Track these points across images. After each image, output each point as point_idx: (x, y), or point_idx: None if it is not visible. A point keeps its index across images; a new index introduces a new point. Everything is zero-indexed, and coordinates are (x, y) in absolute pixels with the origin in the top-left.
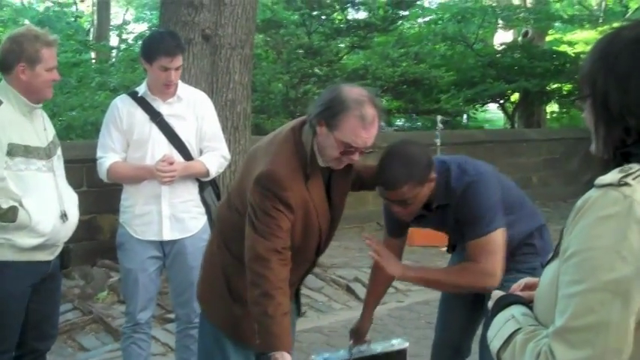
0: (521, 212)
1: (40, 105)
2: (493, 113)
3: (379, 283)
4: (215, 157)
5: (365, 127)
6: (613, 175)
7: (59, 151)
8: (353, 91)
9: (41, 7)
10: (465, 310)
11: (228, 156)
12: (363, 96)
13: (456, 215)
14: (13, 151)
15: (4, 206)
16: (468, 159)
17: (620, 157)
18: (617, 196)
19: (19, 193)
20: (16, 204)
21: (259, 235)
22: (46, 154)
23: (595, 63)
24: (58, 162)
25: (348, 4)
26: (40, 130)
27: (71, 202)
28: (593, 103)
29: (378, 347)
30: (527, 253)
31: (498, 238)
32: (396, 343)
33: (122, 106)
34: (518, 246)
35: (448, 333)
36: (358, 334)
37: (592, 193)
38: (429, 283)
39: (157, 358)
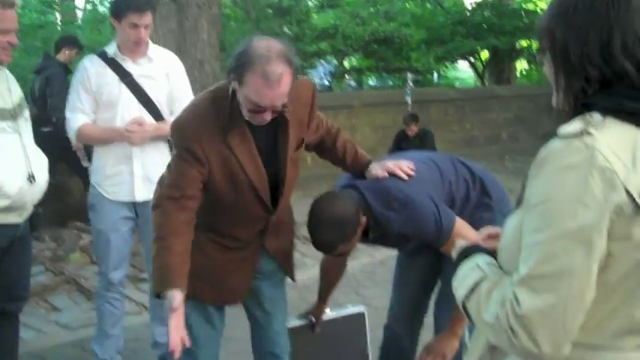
0: (494, 196)
1: (4, 66)
2: (464, 71)
3: (331, 280)
4: None
5: (269, 85)
6: (575, 125)
7: (26, 113)
8: (260, 45)
9: None
10: (424, 271)
11: None
12: (271, 51)
13: (406, 239)
14: None
15: None
16: (386, 186)
17: (581, 107)
18: (579, 145)
19: None
20: None
21: (159, 184)
22: (11, 115)
23: (553, 15)
24: (25, 124)
25: None
26: (5, 91)
27: (39, 164)
28: (553, 56)
29: (333, 313)
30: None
31: (460, 228)
32: (355, 308)
33: (91, 66)
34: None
35: (407, 293)
36: (317, 316)
37: (554, 143)
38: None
39: (131, 317)
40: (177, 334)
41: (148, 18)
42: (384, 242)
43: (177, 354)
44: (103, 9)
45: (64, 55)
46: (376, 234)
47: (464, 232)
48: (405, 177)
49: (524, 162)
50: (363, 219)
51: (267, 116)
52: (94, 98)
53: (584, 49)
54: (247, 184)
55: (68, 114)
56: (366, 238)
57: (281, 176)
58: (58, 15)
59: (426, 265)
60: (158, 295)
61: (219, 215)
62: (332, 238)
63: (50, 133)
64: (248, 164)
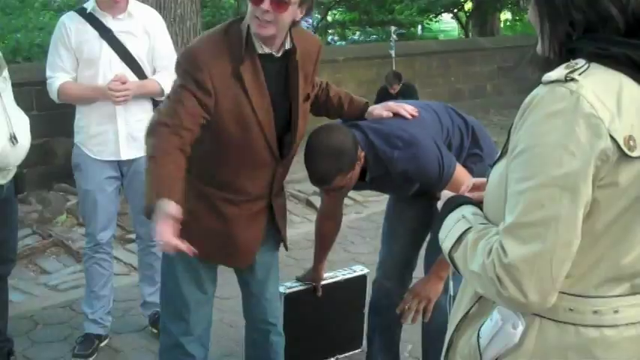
0: (485, 148)
1: None
2: (447, 23)
3: (326, 242)
4: (169, 76)
5: None
6: (559, 72)
7: (5, 73)
8: None
9: None
10: (414, 225)
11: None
12: None
13: (408, 181)
14: None
15: None
16: (391, 125)
17: (566, 53)
18: (564, 91)
19: None
20: None
21: (156, 111)
22: None
23: None
24: (3, 84)
25: None
26: None
27: (21, 125)
28: (536, 1)
29: (339, 274)
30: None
31: (460, 175)
32: (357, 269)
33: (70, 23)
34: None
35: (397, 248)
36: (315, 279)
37: (539, 91)
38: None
39: (121, 278)
40: (169, 235)
41: None
42: (380, 186)
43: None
44: None
45: None
46: (374, 174)
47: (462, 177)
48: (409, 117)
49: (509, 115)
50: (362, 154)
51: (266, 4)
52: (75, 56)
53: None
54: (254, 121)
55: (49, 72)
56: (362, 180)
57: (293, 119)
58: None
59: (416, 218)
60: (151, 212)
61: (226, 164)
62: (329, 168)
63: None
64: (257, 100)
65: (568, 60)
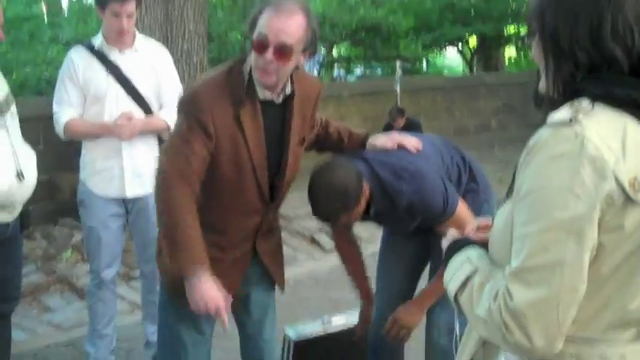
0: (481, 183)
1: None
2: (452, 59)
3: (358, 268)
4: (175, 112)
5: (279, 15)
6: (564, 113)
7: (13, 109)
8: None
9: None
10: (411, 260)
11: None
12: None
13: (410, 215)
14: None
15: None
16: (397, 158)
17: (570, 93)
18: (569, 133)
19: None
20: None
21: (162, 153)
22: None
23: None
24: (11, 119)
25: None
26: None
27: (28, 160)
28: (542, 38)
29: (352, 318)
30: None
31: (462, 210)
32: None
33: (77, 58)
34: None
35: (394, 285)
36: (365, 320)
37: (543, 132)
38: (438, 293)
39: (124, 317)
40: (221, 300)
41: (129, 6)
42: (383, 219)
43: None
44: (89, 0)
45: None
46: (379, 208)
47: (464, 213)
48: (414, 150)
49: (513, 151)
50: (366, 189)
51: (270, 55)
52: (82, 91)
53: (574, 33)
54: (249, 165)
55: (56, 107)
56: (366, 213)
57: (283, 171)
58: (43, 7)
59: (412, 254)
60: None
61: (216, 206)
62: (334, 207)
63: None
64: (254, 144)
65: (572, 100)
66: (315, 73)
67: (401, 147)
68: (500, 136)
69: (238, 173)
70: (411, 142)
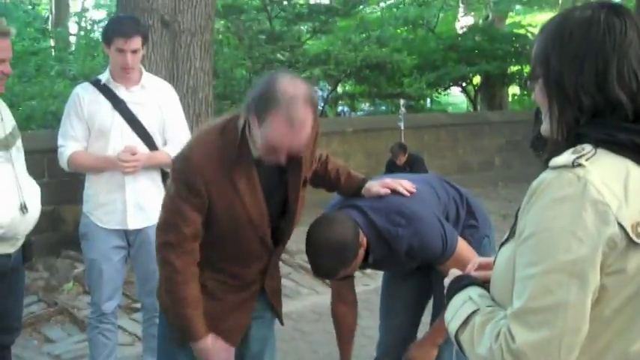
0: (480, 218)
1: None
2: (456, 96)
3: (345, 331)
4: (179, 148)
5: (292, 130)
6: (567, 157)
7: (19, 142)
8: (287, 86)
9: None
10: (412, 299)
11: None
12: (297, 93)
13: (410, 258)
14: None
15: None
16: (391, 203)
17: (573, 137)
18: (571, 177)
19: None
20: None
21: (157, 229)
22: (3, 145)
23: (547, 42)
24: (17, 153)
25: None
26: None
27: (32, 194)
28: (546, 83)
29: None
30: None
31: (462, 248)
32: None
33: (84, 93)
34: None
35: (396, 325)
36: None
37: (546, 175)
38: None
39: (125, 349)
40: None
41: (134, 43)
42: (382, 265)
43: None
44: (97, 35)
45: None
46: (377, 256)
47: (465, 251)
48: (407, 194)
49: (517, 188)
50: (364, 240)
51: (283, 159)
52: (87, 125)
53: (580, 78)
54: (245, 221)
55: (60, 141)
56: (365, 261)
57: (289, 216)
58: (51, 41)
59: (414, 293)
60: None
61: (221, 250)
62: (332, 264)
63: None
64: (250, 203)
65: (575, 144)
66: (320, 109)
67: (394, 192)
68: (503, 174)
69: (236, 228)
70: (404, 185)
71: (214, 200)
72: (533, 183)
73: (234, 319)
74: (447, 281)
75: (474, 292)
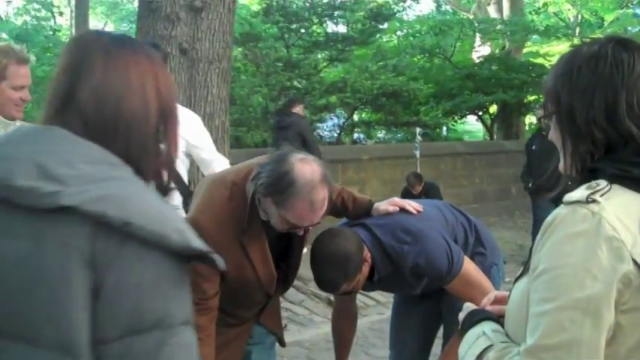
0: (488, 247)
1: (16, 122)
2: (472, 125)
3: (344, 340)
4: (223, 164)
5: (313, 211)
6: (581, 192)
7: None
8: (304, 172)
9: (19, 21)
10: (420, 330)
11: (226, 160)
12: (315, 178)
13: (416, 277)
14: None
15: None
16: (397, 221)
17: (587, 172)
18: (586, 213)
19: None
20: None
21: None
22: None
23: (558, 79)
24: None
25: (327, 17)
26: None
27: None
28: (558, 119)
29: None
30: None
31: (469, 268)
32: None
33: None
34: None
35: (406, 350)
36: None
37: (560, 210)
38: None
39: None
40: None
41: None
42: (388, 285)
43: None
44: None
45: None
46: (382, 273)
47: (471, 270)
48: (415, 212)
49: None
50: (368, 256)
51: (301, 232)
52: None
53: (590, 112)
54: (254, 282)
55: None
56: (370, 279)
57: (291, 270)
58: None
59: (423, 322)
60: None
61: (225, 298)
62: (334, 276)
63: None
64: (259, 264)
65: (590, 179)
66: (336, 136)
67: (402, 210)
68: (520, 203)
69: (243, 285)
70: (412, 204)
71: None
72: (547, 218)
73: (225, 353)
74: (461, 315)
75: (488, 327)
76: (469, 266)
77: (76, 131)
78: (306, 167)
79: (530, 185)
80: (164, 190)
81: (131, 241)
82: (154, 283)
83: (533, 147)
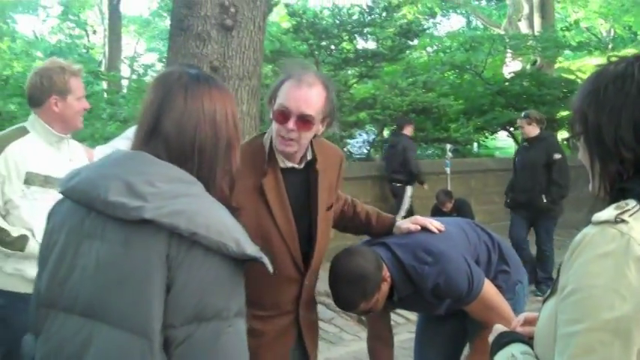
0: (512, 264)
1: (69, 135)
2: (504, 141)
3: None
4: None
5: (299, 86)
6: (609, 212)
7: None
8: (299, 67)
9: (53, 39)
10: (445, 350)
11: None
12: (308, 69)
13: (436, 297)
14: (30, 179)
15: (15, 234)
16: (418, 241)
17: (616, 192)
18: (615, 233)
19: (32, 222)
20: (27, 233)
21: None
22: None
23: (584, 99)
24: None
25: (356, 34)
26: (65, 161)
27: None
28: (586, 139)
29: None
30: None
31: (488, 291)
32: None
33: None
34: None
35: None
36: None
37: (589, 230)
38: None
39: None
40: None
41: None
42: (409, 304)
43: None
44: (149, 78)
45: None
46: (402, 294)
47: (491, 292)
48: (437, 231)
49: (566, 235)
50: (387, 274)
51: (292, 124)
52: None
53: (618, 131)
54: (277, 234)
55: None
56: (390, 299)
57: (315, 239)
58: (104, 84)
59: (450, 336)
60: None
61: (250, 279)
62: (352, 295)
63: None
64: (279, 214)
65: (618, 199)
66: (365, 152)
67: (424, 229)
68: None
69: (265, 242)
70: (434, 223)
71: (243, 214)
72: (575, 238)
73: (273, 354)
74: (491, 337)
75: (517, 349)
76: (489, 289)
77: (159, 155)
78: (302, 66)
79: (508, 201)
80: (227, 204)
81: (197, 247)
82: (214, 281)
83: (516, 159)
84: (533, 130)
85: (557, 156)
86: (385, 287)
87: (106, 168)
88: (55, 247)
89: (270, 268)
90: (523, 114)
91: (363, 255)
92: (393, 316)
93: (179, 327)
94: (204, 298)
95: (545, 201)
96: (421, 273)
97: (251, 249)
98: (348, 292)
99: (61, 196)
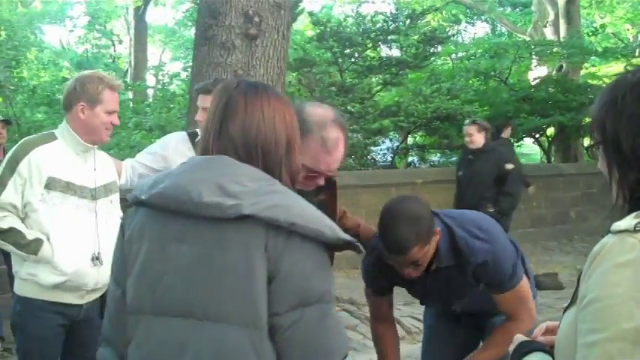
0: (530, 278)
1: (95, 146)
2: (529, 147)
3: (389, 350)
4: None
5: (327, 151)
6: (628, 221)
7: (113, 197)
8: (315, 112)
9: (80, 49)
10: (457, 351)
11: None
12: (327, 117)
13: (476, 277)
14: (51, 184)
15: (30, 237)
16: (471, 217)
17: (635, 201)
18: (633, 242)
19: (48, 227)
20: (42, 237)
21: None
22: (92, 195)
23: (602, 108)
24: (107, 206)
25: (380, 42)
26: (90, 171)
27: (111, 247)
28: (605, 149)
29: None
30: None
31: (525, 285)
32: None
33: (175, 137)
34: None
35: None
36: None
37: (608, 239)
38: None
39: None
40: None
41: (204, 101)
42: (441, 279)
43: None
44: (174, 87)
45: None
46: (442, 264)
47: (525, 289)
48: None
49: (593, 242)
50: (437, 229)
51: (321, 181)
52: (162, 163)
53: (636, 140)
54: None
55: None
56: (427, 270)
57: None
58: (130, 94)
59: (462, 345)
60: None
61: None
62: (408, 234)
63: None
64: None
65: (638, 208)
66: (389, 159)
67: None
68: (579, 227)
69: None
70: None
71: None
72: (594, 247)
73: None
74: (511, 347)
75: (538, 358)
76: (525, 282)
77: (229, 155)
78: (316, 109)
79: None
80: None
81: (294, 237)
82: (314, 267)
83: (459, 173)
84: (481, 140)
85: (510, 166)
86: (434, 243)
87: (191, 173)
88: (139, 256)
89: (363, 250)
90: (469, 120)
91: (416, 200)
92: (416, 322)
93: (284, 314)
94: (307, 284)
95: (491, 210)
96: (472, 246)
97: (344, 235)
98: (405, 231)
99: (79, 204)
